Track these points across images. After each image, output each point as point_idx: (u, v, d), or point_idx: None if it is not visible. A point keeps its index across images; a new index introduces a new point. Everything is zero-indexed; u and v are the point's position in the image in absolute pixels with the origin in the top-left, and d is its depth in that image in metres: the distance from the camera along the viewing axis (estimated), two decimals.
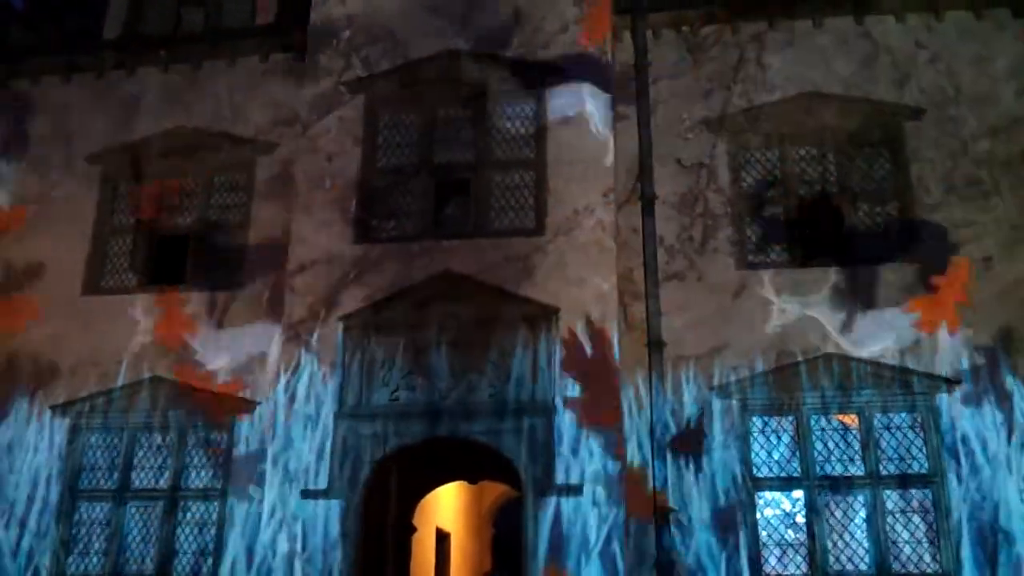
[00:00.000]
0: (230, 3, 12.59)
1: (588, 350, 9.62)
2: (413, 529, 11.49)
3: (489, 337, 9.85)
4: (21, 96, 12.44)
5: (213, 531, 10.15)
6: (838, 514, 9.41)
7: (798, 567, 9.30)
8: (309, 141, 10.97)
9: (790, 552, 9.40)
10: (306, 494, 9.58)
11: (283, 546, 9.44)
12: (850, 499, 9.43)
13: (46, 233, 11.65)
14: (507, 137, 10.79)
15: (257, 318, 10.74)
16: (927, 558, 9.14)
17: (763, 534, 9.45)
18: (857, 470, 9.46)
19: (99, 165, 11.91)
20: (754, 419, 9.76)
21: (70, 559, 10.36)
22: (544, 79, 10.77)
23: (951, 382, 9.52)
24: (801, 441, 9.60)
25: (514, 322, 9.86)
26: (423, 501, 12.10)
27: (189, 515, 10.34)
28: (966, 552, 9.00)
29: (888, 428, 9.57)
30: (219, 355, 10.73)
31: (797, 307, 9.99)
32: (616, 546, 9.04)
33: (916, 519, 9.28)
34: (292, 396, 9.94)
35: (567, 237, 10.13)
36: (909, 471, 9.39)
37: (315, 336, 10.10)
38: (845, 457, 9.54)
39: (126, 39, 12.58)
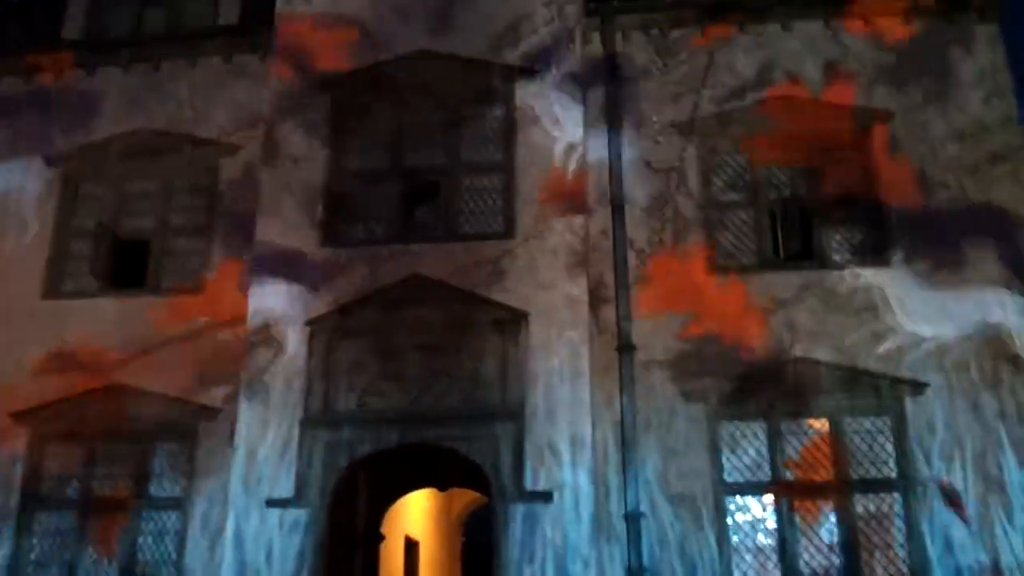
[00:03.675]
0: (192, 3, 12.37)
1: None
2: (382, 537, 11.34)
3: (459, 342, 9.74)
4: None
5: (175, 541, 9.95)
6: (808, 519, 9.38)
7: (769, 572, 9.26)
8: (274, 143, 10.80)
9: (760, 557, 9.37)
10: (271, 503, 9.40)
11: (248, 556, 9.25)
12: (820, 503, 9.42)
13: (4, 235, 11.39)
14: (476, 140, 10.70)
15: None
16: (897, 562, 9.13)
17: (734, 539, 9.40)
18: (827, 474, 9.44)
19: (59, 167, 11.65)
20: (724, 423, 9.71)
21: (29, 569, 10.09)
22: (514, 81, 10.69)
23: (919, 385, 9.53)
24: (771, 446, 9.56)
25: (484, 326, 9.75)
26: (392, 509, 11.96)
27: (151, 524, 10.13)
28: (935, 555, 9.01)
29: (858, 432, 9.56)
30: (185, 359, 10.52)
31: (767, 311, 9.96)
32: (586, 552, 8.95)
33: (886, 523, 9.28)
34: (257, 402, 9.76)
35: (537, 240, 10.05)
36: (879, 475, 9.39)
37: (280, 341, 9.93)
38: (815, 461, 9.53)
39: (86, 39, 12.34)
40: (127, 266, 11.25)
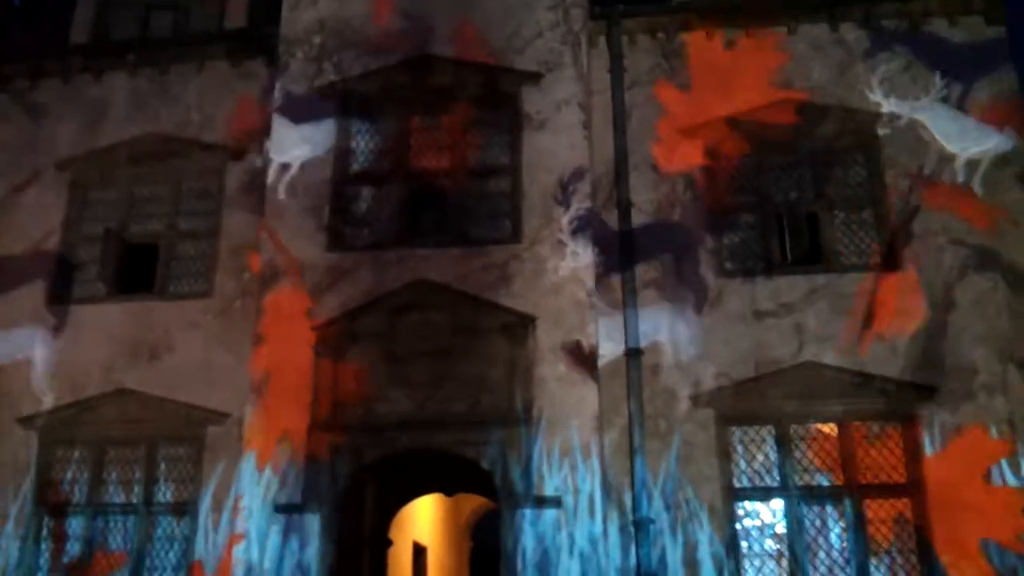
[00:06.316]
0: (199, 7, 12.40)
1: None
2: (389, 543, 11.33)
3: (466, 346, 9.71)
4: None
5: (184, 546, 9.96)
6: (818, 524, 9.35)
7: None
8: (280, 147, 10.79)
9: (770, 563, 9.33)
10: (279, 508, 9.39)
11: (256, 562, 9.25)
12: (830, 509, 9.38)
13: (13, 241, 11.40)
14: (482, 143, 10.68)
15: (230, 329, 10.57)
16: (908, 568, 9.09)
17: (743, 545, 9.37)
18: (837, 479, 9.40)
19: (67, 172, 11.65)
20: (732, 429, 9.68)
21: (39, 575, 10.11)
22: (519, 85, 10.66)
23: (928, 389, 9.47)
24: (780, 451, 9.53)
25: (491, 331, 9.72)
26: (399, 514, 11.94)
27: (160, 530, 10.15)
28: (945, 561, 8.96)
29: (866, 437, 9.52)
30: (193, 364, 10.53)
31: (774, 315, 9.93)
32: (595, 558, 8.93)
33: (896, 528, 9.23)
34: (264, 407, 9.75)
35: (544, 244, 10.02)
36: (888, 481, 9.35)
37: (287, 346, 9.91)
38: (824, 466, 9.49)
39: (94, 43, 12.35)
40: (135, 271, 11.25)
